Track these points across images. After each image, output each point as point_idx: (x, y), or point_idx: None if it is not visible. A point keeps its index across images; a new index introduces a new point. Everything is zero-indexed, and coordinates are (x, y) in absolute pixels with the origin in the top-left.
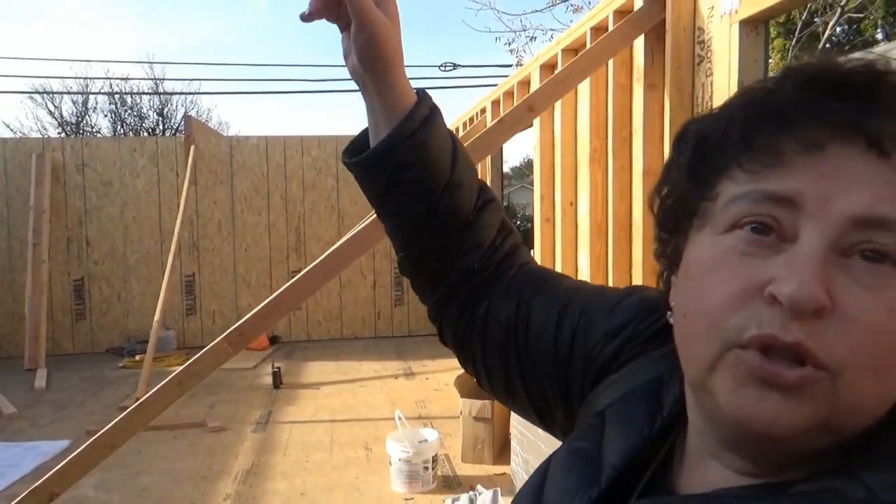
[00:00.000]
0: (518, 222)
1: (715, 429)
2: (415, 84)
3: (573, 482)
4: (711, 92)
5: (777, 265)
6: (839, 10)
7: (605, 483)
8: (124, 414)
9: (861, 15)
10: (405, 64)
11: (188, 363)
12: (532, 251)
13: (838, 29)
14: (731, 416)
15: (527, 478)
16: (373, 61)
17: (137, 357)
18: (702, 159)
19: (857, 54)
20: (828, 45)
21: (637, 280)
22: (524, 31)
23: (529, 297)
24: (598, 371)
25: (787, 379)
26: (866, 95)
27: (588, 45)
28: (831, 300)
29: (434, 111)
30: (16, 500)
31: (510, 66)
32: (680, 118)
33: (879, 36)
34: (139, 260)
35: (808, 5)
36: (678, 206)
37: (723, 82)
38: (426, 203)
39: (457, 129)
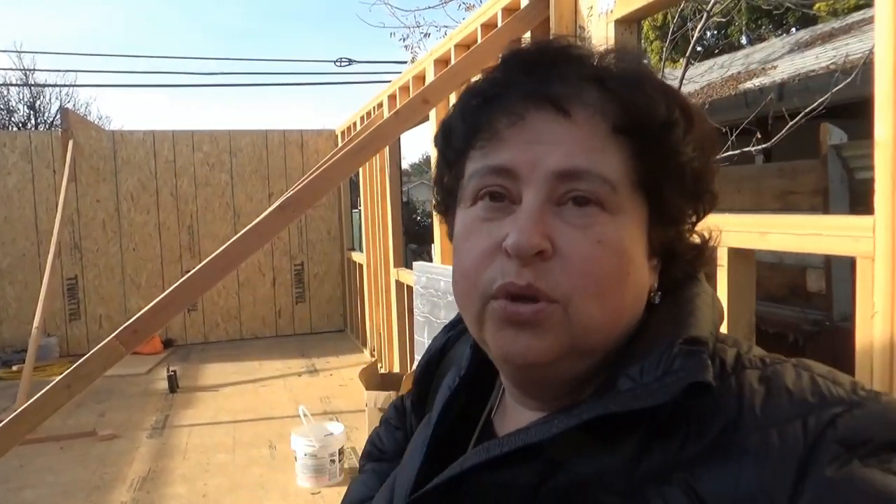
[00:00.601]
0: (418, 217)
1: (505, 376)
2: (310, 79)
3: (415, 456)
4: None
5: (508, 224)
6: (706, 14)
7: (429, 442)
8: (7, 420)
9: (725, 20)
10: (298, 58)
11: (77, 364)
12: (432, 245)
13: (709, 33)
14: (499, 357)
15: None
16: None
17: (15, 367)
18: (449, 148)
19: (723, 57)
20: (698, 49)
21: None
22: (418, 27)
23: None
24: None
25: (525, 313)
26: (549, 69)
27: (479, 41)
28: (552, 244)
29: None
30: None
31: (405, 62)
32: None
33: (744, 40)
34: (13, 263)
35: (680, 10)
36: (444, 192)
37: None
38: None
39: (354, 124)
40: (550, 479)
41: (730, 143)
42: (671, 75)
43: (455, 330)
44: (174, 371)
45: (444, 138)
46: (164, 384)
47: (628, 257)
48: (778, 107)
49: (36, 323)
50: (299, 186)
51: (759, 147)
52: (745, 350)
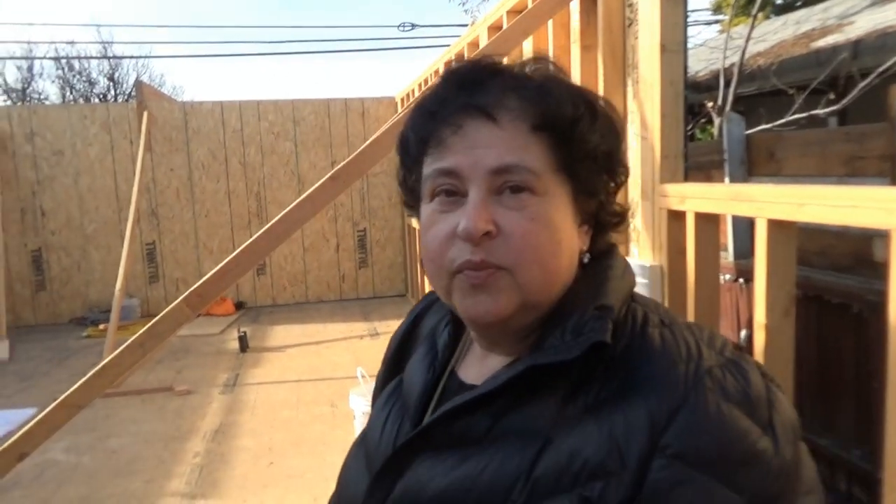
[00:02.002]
0: None
1: (473, 332)
2: (373, 45)
3: (391, 420)
4: (638, 54)
5: (460, 214)
6: None
7: (413, 408)
8: (89, 374)
9: None
10: (362, 24)
11: (148, 325)
12: None
13: None
14: (467, 318)
15: None
16: None
17: (101, 326)
18: (407, 156)
19: (799, 12)
20: (777, 2)
21: None
22: None
23: None
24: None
25: (481, 277)
26: (478, 84)
27: (529, 6)
28: (496, 226)
29: None
30: None
31: (467, 25)
32: (613, 79)
33: None
34: (97, 229)
35: None
36: (408, 190)
37: (647, 44)
38: None
39: (412, 91)
40: (500, 421)
41: (797, 105)
42: (737, 34)
43: (420, 308)
44: (245, 332)
45: (402, 148)
46: (236, 344)
47: (558, 228)
48: (851, 66)
49: (118, 285)
50: (350, 158)
51: (828, 110)
52: (653, 309)
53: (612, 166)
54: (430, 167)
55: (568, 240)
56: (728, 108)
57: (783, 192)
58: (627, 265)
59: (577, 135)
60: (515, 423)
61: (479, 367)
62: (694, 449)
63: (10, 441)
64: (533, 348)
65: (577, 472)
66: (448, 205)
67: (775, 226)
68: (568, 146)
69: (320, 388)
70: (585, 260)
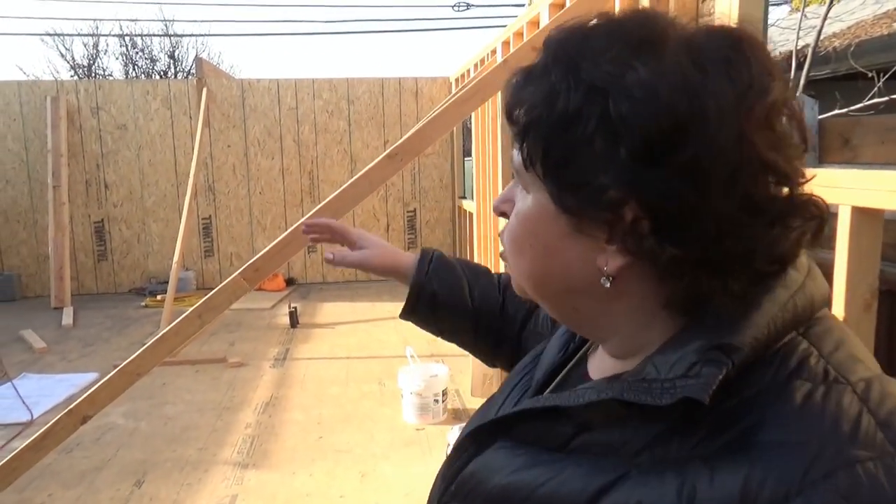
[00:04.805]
0: None
1: None
2: (427, 25)
3: (516, 391)
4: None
5: None
6: None
7: (535, 386)
8: (148, 344)
9: None
10: (416, 4)
11: (206, 298)
12: None
13: None
14: None
15: None
16: (378, 273)
17: (159, 297)
18: None
19: None
20: None
21: None
22: None
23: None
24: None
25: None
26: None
27: None
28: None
29: (433, 255)
30: (53, 420)
31: (523, 5)
32: None
33: None
34: (157, 203)
35: None
36: None
37: (723, 19)
38: (465, 311)
39: (468, 71)
40: (580, 436)
41: (876, 89)
42: (811, 13)
43: None
44: (295, 308)
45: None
46: (286, 319)
47: (529, 230)
48: None
49: (175, 258)
50: (407, 136)
51: None
52: (825, 354)
53: (618, 173)
54: None
55: (542, 244)
56: (800, 91)
57: (873, 177)
58: (801, 290)
59: (527, 131)
60: (598, 442)
61: (598, 362)
62: None
63: (74, 404)
64: (633, 372)
65: None
66: None
67: (861, 214)
68: (522, 138)
69: (369, 365)
70: (606, 284)
